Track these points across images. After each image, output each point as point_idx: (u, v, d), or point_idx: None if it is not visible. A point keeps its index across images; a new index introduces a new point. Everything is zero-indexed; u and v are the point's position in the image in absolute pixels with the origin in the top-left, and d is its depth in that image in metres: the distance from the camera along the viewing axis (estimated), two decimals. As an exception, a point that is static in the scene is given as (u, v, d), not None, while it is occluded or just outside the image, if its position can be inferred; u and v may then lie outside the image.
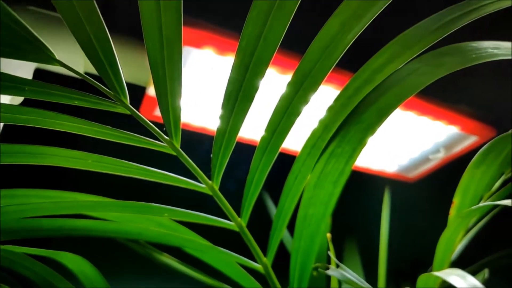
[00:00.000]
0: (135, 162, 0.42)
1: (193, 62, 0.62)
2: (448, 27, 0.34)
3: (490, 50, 0.33)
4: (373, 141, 0.74)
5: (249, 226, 0.51)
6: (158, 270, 0.61)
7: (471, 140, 0.73)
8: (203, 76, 0.64)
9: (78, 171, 0.42)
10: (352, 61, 0.46)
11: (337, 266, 0.50)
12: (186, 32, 0.57)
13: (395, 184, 0.85)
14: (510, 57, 0.33)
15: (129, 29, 0.60)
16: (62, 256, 0.52)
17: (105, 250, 0.69)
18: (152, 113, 0.69)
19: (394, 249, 0.94)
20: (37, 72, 0.63)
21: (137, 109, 0.68)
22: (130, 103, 0.39)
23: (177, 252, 0.57)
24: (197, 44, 0.59)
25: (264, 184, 0.47)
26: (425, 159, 0.79)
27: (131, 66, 0.61)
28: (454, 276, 0.44)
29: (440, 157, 0.77)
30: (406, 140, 0.73)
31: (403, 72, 0.37)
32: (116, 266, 0.73)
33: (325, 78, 0.38)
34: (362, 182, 0.88)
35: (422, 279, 0.53)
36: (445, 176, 0.73)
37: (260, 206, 0.52)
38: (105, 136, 0.39)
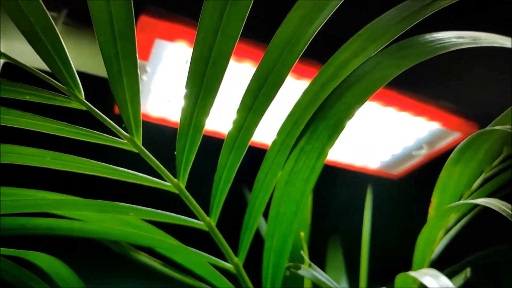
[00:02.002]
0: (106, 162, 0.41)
1: (168, 56, 0.61)
2: (412, 19, 0.32)
3: (454, 39, 0.32)
4: (354, 137, 0.73)
5: (223, 224, 0.49)
6: (136, 269, 0.59)
7: (454, 137, 0.72)
8: (178, 70, 0.63)
9: (52, 170, 0.41)
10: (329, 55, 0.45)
11: (310, 265, 0.49)
12: (160, 25, 0.56)
13: (378, 181, 0.84)
14: (474, 45, 0.32)
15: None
16: (35, 256, 0.51)
17: (86, 250, 0.68)
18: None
19: (382, 247, 0.94)
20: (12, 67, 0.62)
21: (112, 105, 0.67)
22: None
23: (154, 253, 0.56)
24: (171, 38, 0.57)
25: (243, 179, 0.46)
26: (408, 156, 0.78)
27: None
28: (428, 276, 0.43)
29: (423, 154, 0.76)
30: (387, 136, 0.72)
31: (368, 66, 0.36)
32: (97, 266, 0.72)
33: (290, 72, 0.37)
34: (345, 178, 0.87)
35: (399, 278, 0.53)
36: (430, 172, 0.72)
37: (235, 203, 0.51)
38: (60, 132, 0.37)
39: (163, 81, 0.64)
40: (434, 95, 0.64)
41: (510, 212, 0.41)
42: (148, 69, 0.61)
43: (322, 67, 0.38)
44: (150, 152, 0.46)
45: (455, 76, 0.68)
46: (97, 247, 0.57)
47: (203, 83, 0.36)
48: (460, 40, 0.32)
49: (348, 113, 0.40)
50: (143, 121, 0.69)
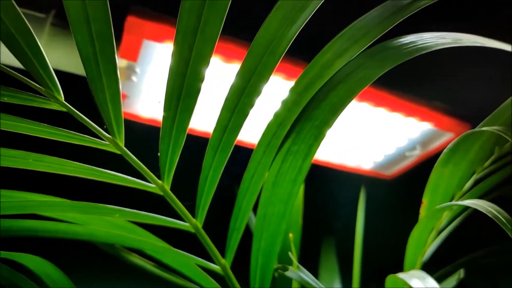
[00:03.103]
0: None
1: (157, 57, 0.61)
2: (392, 19, 0.32)
3: (436, 40, 0.32)
4: (346, 138, 0.72)
5: (211, 224, 0.49)
6: (128, 270, 0.59)
7: (447, 137, 0.71)
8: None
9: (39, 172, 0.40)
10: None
11: (298, 267, 0.48)
12: (147, 26, 0.55)
13: (372, 182, 0.83)
14: (455, 45, 0.31)
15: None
16: (24, 258, 0.51)
17: (76, 251, 0.67)
18: (118, 109, 0.67)
19: (377, 248, 0.93)
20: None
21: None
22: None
23: (145, 254, 0.56)
24: (159, 39, 0.57)
25: (235, 179, 0.46)
26: (402, 156, 0.77)
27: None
28: (415, 278, 0.43)
29: (417, 154, 0.76)
30: (379, 137, 0.72)
31: (351, 67, 0.36)
32: (87, 267, 0.72)
33: (273, 72, 0.37)
34: (338, 179, 0.86)
35: (390, 280, 0.52)
36: (423, 173, 0.71)
37: (224, 203, 0.50)
38: (41, 134, 0.37)
39: (153, 82, 0.64)
40: (426, 96, 0.64)
41: (496, 214, 0.41)
42: (138, 70, 0.60)
43: (306, 68, 0.37)
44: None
45: (447, 76, 0.68)
46: (87, 248, 0.57)
47: (184, 84, 0.36)
48: (442, 41, 0.31)
49: (333, 114, 0.40)
50: (133, 122, 0.69)
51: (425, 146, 0.74)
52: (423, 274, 0.42)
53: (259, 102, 0.52)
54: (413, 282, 0.41)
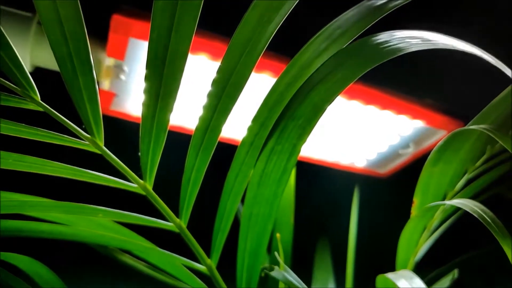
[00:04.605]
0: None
1: (145, 55, 0.60)
2: (370, 17, 0.31)
3: (409, 40, 0.31)
4: (337, 136, 0.71)
5: (197, 224, 0.49)
6: (118, 269, 0.59)
7: (441, 135, 0.70)
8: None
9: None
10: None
11: (284, 268, 0.48)
12: (133, 24, 0.55)
13: (366, 180, 0.82)
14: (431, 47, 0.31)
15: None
16: (13, 258, 0.51)
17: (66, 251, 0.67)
18: (108, 107, 0.67)
19: (372, 247, 0.93)
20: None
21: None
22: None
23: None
24: (145, 37, 0.57)
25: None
26: (395, 154, 0.77)
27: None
28: (403, 279, 0.43)
29: (410, 152, 0.75)
30: (371, 135, 0.71)
31: (330, 66, 0.35)
32: (78, 266, 0.72)
33: (252, 71, 0.36)
34: (332, 177, 0.85)
35: (380, 279, 0.52)
36: (418, 171, 0.70)
37: (211, 202, 0.50)
38: (19, 134, 0.37)
39: (142, 80, 0.64)
40: (417, 93, 0.63)
41: (482, 213, 0.40)
42: (126, 68, 0.60)
43: (286, 68, 0.37)
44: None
45: (439, 73, 0.67)
46: (78, 248, 0.57)
47: (161, 82, 0.35)
48: (414, 41, 0.31)
49: (316, 113, 0.39)
50: (123, 121, 0.69)
51: (419, 144, 0.73)
52: (411, 274, 0.42)
53: (246, 100, 0.52)
54: (400, 282, 0.41)
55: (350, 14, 0.33)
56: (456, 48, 0.31)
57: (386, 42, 0.31)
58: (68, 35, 0.32)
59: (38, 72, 0.59)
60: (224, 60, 0.36)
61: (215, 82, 0.37)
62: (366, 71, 0.34)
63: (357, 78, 0.35)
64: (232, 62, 0.36)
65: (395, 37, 0.32)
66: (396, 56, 0.32)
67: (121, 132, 0.65)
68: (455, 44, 0.31)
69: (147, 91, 0.36)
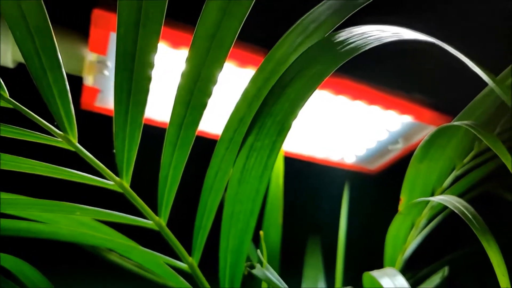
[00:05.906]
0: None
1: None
2: (344, 11, 0.30)
3: (379, 33, 0.30)
4: (325, 131, 0.71)
5: (178, 221, 0.48)
6: (107, 268, 0.59)
7: (430, 130, 0.69)
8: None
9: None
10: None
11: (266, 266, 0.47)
12: (114, 19, 0.54)
13: (356, 176, 0.82)
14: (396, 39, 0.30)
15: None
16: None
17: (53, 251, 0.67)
18: (93, 104, 0.66)
19: (363, 245, 0.92)
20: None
21: (78, 101, 0.65)
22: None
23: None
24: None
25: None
26: (384, 150, 0.76)
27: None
28: (386, 277, 0.43)
29: (399, 148, 0.74)
30: (359, 130, 0.70)
31: (304, 61, 0.34)
32: (65, 266, 0.71)
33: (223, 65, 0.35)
34: (321, 174, 0.85)
35: (366, 277, 0.52)
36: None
37: (193, 199, 0.49)
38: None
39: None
40: (405, 88, 0.62)
41: (463, 210, 0.40)
42: (109, 63, 0.59)
43: (261, 63, 0.36)
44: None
45: (427, 67, 0.66)
46: (65, 247, 0.56)
47: (132, 78, 0.35)
48: (384, 34, 0.30)
49: (293, 109, 0.39)
50: (107, 117, 0.68)
51: (408, 139, 0.73)
52: (395, 272, 0.41)
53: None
54: (383, 280, 0.40)
55: (323, 7, 0.32)
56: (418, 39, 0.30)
57: (351, 37, 0.30)
58: (33, 31, 0.31)
59: (9, 69, 0.58)
60: (190, 55, 0.35)
61: (184, 76, 0.36)
62: (340, 65, 0.33)
63: (332, 72, 0.34)
64: (199, 57, 0.35)
65: (356, 33, 0.31)
66: (367, 49, 0.31)
67: (108, 129, 0.65)
68: (419, 36, 0.30)
69: (118, 87, 0.35)
